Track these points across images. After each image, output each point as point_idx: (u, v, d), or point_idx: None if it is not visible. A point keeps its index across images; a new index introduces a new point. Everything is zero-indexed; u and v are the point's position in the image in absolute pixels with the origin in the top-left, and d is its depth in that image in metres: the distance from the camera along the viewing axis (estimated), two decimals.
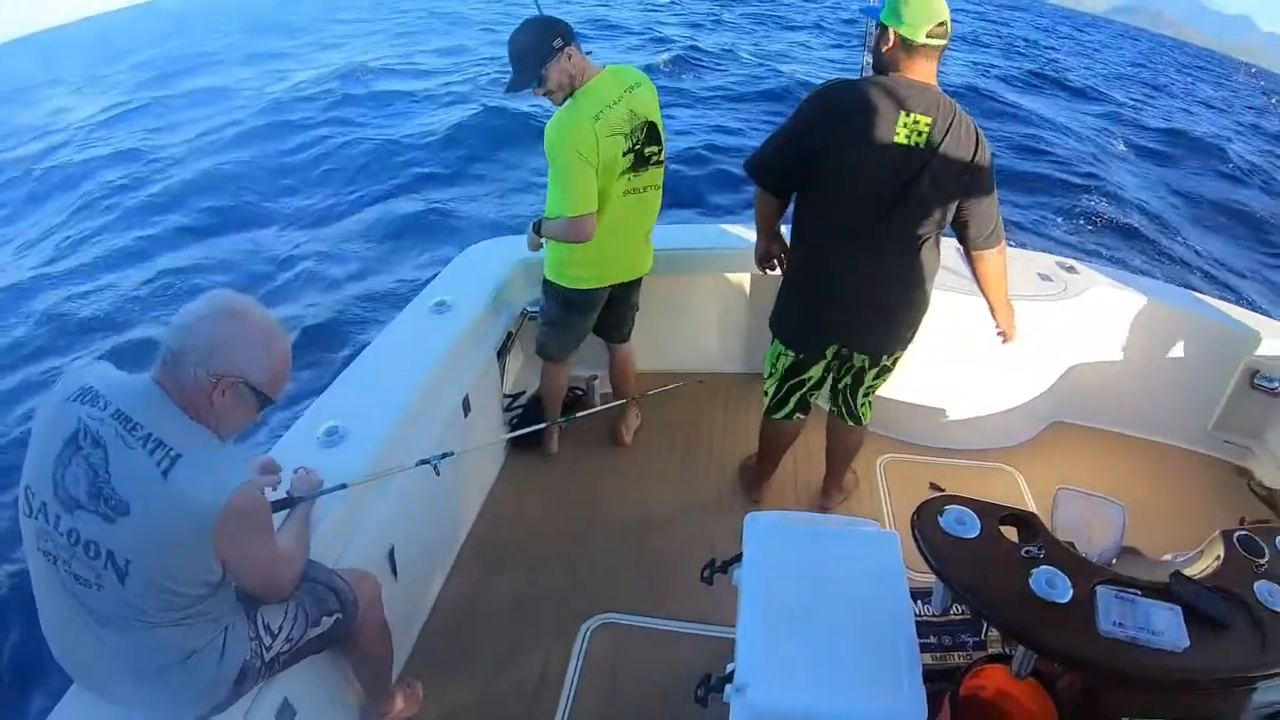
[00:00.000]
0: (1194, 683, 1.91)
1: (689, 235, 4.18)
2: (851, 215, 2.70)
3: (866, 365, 3.02)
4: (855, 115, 2.55)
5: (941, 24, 2.47)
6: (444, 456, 2.49)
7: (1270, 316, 4.37)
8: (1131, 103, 27.56)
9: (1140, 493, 3.86)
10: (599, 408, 3.57)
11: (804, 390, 3.15)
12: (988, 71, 25.74)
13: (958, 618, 2.99)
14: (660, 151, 3.16)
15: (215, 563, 1.64)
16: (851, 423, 3.24)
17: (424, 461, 2.46)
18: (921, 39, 2.48)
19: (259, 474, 2.10)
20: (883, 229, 2.66)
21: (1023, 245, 4.59)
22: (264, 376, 1.68)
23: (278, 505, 1.99)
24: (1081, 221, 12.52)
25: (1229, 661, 1.93)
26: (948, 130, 2.50)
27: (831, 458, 3.44)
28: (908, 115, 2.49)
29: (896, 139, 2.50)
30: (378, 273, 8.91)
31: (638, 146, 3.05)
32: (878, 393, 3.23)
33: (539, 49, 2.85)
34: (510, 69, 2.93)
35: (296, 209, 11.27)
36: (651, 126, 3.09)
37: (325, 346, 7.04)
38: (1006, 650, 2.35)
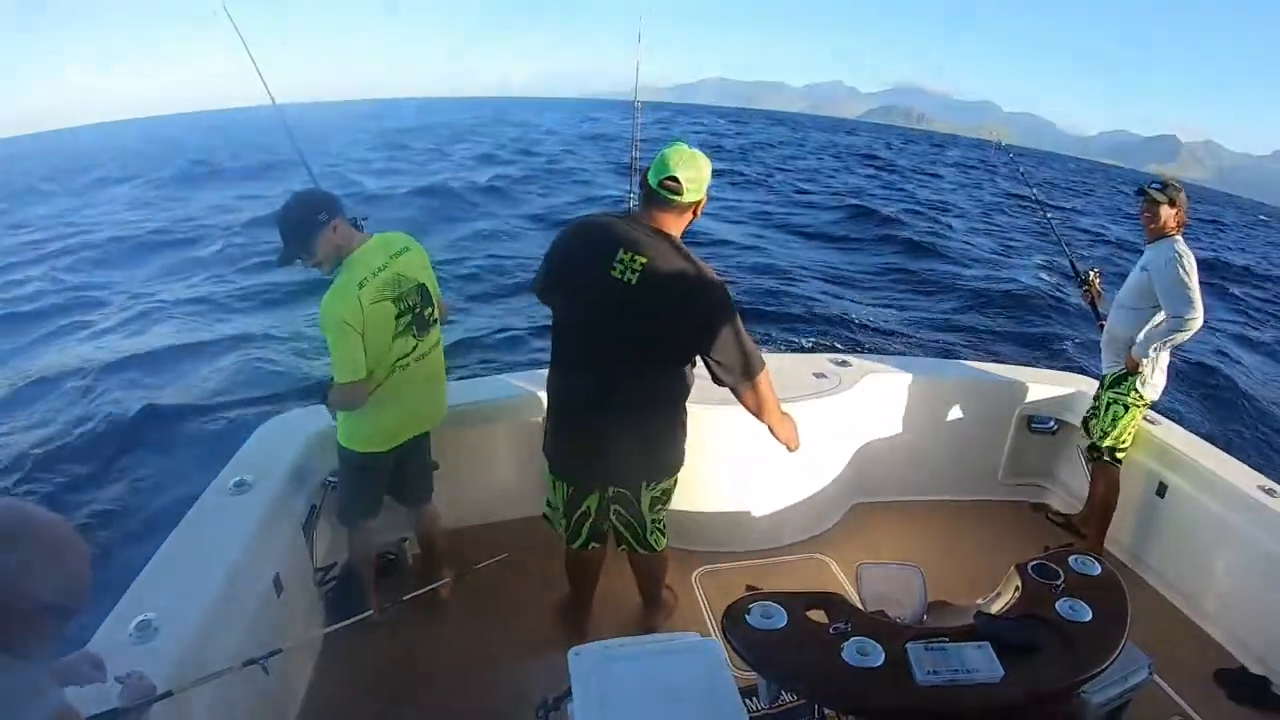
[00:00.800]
0: (1020, 704, 1.98)
1: (480, 388, 4.17)
2: (577, 345, 2.81)
3: (630, 495, 3.01)
4: (583, 247, 2.70)
5: (672, 179, 2.60)
6: (272, 655, 2.31)
7: (1029, 367, 4.80)
8: (882, 195, 30.02)
9: (949, 549, 4.08)
10: (426, 588, 3.43)
11: (590, 521, 3.12)
12: (755, 204, 27.17)
13: (791, 704, 2.99)
14: (434, 311, 3.19)
15: None
16: (643, 550, 3.19)
17: (252, 662, 2.28)
18: (654, 185, 2.63)
19: (88, 667, 1.88)
20: (606, 360, 2.73)
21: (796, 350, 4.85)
22: (59, 595, 1.49)
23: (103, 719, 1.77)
24: (837, 324, 13.28)
25: (1048, 677, 2.05)
26: (663, 273, 2.59)
27: (640, 584, 3.41)
28: (626, 253, 2.60)
29: (612, 273, 2.60)
30: (171, 455, 8.20)
31: (415, 309, 3.07)
32: (679, 508, 3.23)
33: (306, 223, 2.87)
34: (281, 242, 2.94)
35: (74, 391, 10.40)
36: (423, 288, 3.12)
37: (125, 539, 6.44)
38: None
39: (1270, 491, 3.73)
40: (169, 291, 14.54)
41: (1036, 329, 13.82)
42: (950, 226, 23.92)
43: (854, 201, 27.17)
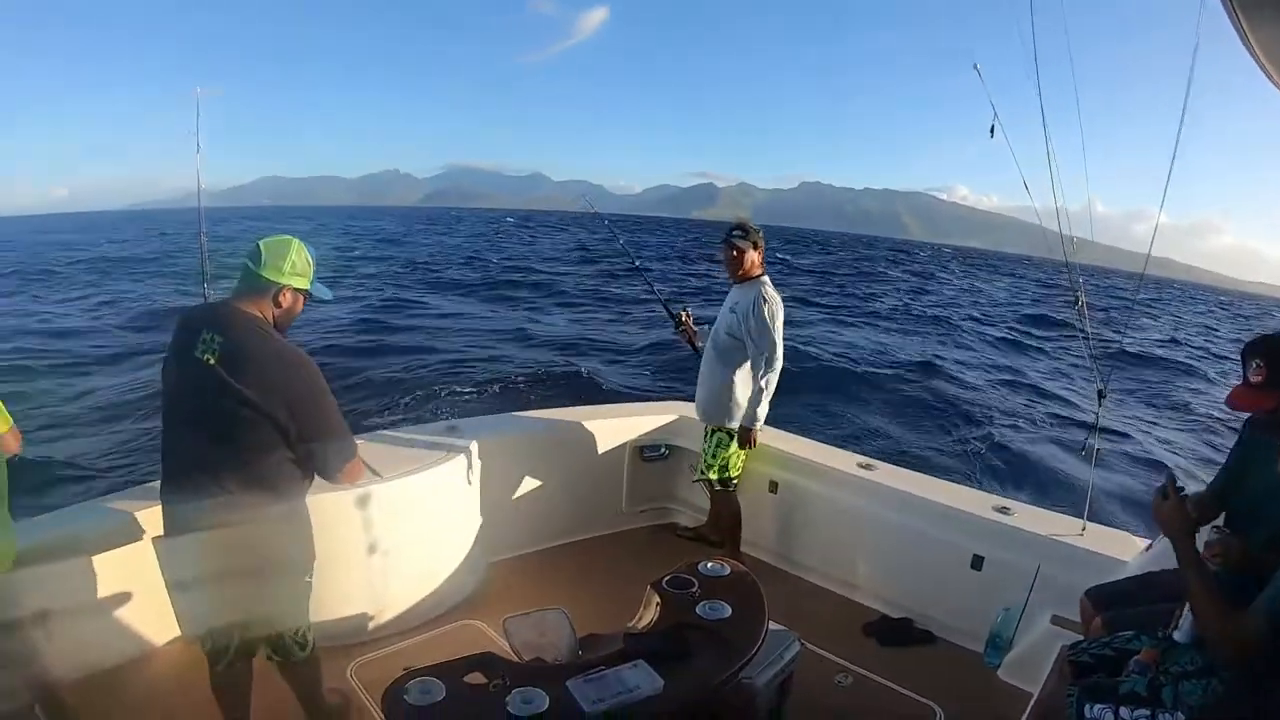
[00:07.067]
0: (690, 703, 2.10)
1: None
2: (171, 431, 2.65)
3: None
4: (176, 332, 2.57)
5: (256, 249, 2.58)
6: None
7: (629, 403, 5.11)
8: None
9: (589, 583, 4.16)
10: None
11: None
12: None
13: None
14: None
15: None
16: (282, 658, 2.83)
17: None
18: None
19: None
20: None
21: None
22: None
23: None
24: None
25: (706, 673, 2.19)
26: (240, 350, 2.45)
27: (298, 696, 2.93)
28: (208, 333, 2.47)
29: (195, 353, 2.46)
30: None
31: None
32: (322, 606, 2.89)
33: None
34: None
35: None
36: None
37: None
38: None
39: (867, 466, 4.31)
40: None
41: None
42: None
43: None
